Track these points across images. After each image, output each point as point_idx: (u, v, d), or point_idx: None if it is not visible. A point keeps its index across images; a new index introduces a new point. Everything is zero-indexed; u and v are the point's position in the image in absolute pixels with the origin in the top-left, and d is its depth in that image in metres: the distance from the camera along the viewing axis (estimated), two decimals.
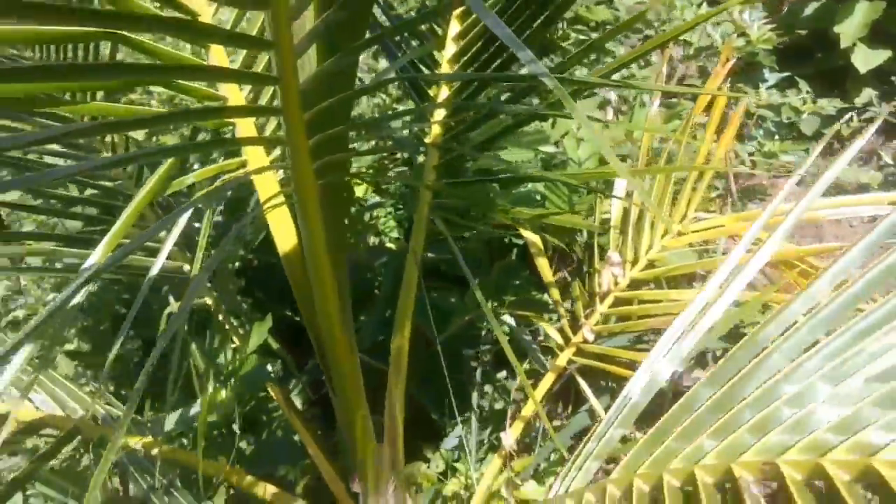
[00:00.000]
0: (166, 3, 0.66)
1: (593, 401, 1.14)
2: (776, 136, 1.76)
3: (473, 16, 1.03)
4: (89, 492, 0.64)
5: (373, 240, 1.97)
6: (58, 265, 1.05)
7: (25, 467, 0.81)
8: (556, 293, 1.22)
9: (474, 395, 1.40)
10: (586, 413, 1.29)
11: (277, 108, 0.68)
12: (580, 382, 1.18)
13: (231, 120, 0.89)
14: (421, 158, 1.13)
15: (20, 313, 1.83)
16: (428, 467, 1.55)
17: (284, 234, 0.98)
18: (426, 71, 1.07)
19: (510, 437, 1.22)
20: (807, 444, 0.54)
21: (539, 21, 0.85)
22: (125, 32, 0.64)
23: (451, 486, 1.35)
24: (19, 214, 1.84)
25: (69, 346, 1.50)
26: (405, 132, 1.41)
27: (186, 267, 1.26)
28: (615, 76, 1.03)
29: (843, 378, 0.56)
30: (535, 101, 1.25)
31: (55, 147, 1.01)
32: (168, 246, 0.71)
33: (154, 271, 0.74)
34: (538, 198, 1.53)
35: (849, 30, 1.95)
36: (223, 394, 1.13)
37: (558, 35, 2.66)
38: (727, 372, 0.63)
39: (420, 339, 1.45)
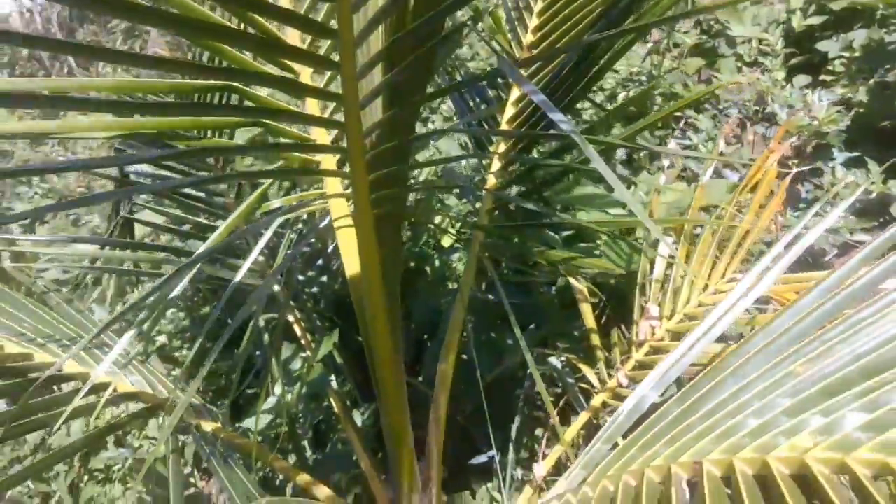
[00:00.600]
0: (274, 63, 0.85)
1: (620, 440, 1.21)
2: (841, 214, 1.77)
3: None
4: (157, 444, 0.80)
5: (452, 284, 2.13)
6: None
7: (104, 427, 0.98)
8: (596, 339, 1.31)
9: (514, 428, 1.49)
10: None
11: (344, 147, 0.84)
12: None
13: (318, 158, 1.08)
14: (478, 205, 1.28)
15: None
16: (473, 497, 1.64)
17: (350, 259, 1.14)
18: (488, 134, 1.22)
19: (542, 468, 1.30)
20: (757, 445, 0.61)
21: (578, 88, 0.99)
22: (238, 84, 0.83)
23: None
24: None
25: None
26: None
27: (276, 288, 1.46)
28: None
29: (796, 393, 0.64)
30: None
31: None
32: (255, 253, 0.88)
33: (241, 273, 0.92)
34: (597, 253, 1.63)
35: None
36: (290, 396, 1.29)
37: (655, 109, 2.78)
38: (693, 390, 0.72)
39: (474, 375, 1.57)
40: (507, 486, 1.42)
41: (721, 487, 0.57)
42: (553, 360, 1.46)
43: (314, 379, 1.31)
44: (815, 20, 2.70)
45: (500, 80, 1.27)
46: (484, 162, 1.25)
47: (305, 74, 1.11)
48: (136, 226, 1.54)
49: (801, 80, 2.45)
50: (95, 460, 2.02)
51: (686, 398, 0.72)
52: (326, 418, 1.63)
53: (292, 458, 1.53)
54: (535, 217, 1.17)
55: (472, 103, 1.29)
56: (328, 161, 1.07)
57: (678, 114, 2.51)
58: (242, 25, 1.03)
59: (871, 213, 1.75)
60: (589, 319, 1.32)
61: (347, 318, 1.68)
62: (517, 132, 1.14)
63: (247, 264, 0.89)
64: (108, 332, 1.02)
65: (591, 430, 1.47)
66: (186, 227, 1.44)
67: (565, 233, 1.59)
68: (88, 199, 0.96)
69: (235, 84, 0.85)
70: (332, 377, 1.38)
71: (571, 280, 1.31)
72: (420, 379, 1.73)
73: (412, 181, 1.73)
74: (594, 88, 2.71)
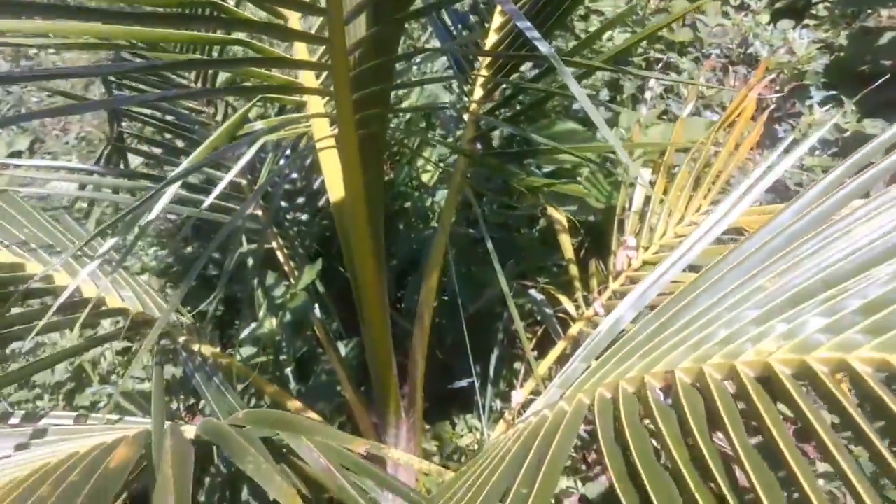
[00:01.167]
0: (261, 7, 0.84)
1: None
2: (816, 152, 1.81)
3: None
4: (137, 357, 0.82)
5: (433, 223, 2.14)
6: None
7: (91, 339, 0.99)
8: (574, 270, 1.34)
9: (493, 359, 1.53)
10: None
11: (328, 64, 0.84)
12: None
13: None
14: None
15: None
16: (453, 428, 1.69)
17: (334, 184, 1.15)
18: (470, 56, 1.22)
19: (521, 395, 1.35)
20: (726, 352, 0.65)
21: (557, 14, 0.99)
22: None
23: (466, 440, 1.49)
24: None
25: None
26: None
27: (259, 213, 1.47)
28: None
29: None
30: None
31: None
32: (235, 169, 0.89)
33: (220, 187, 0.92)
34: (581, 187, 1.65)
35: None
36: (273, 322, 1.31)
37: (638, 53, 2.77)
38: (667, 309, 0.74)
39: (455, 308, 1.60)
40: (487, 417, 1.47)
41: (692, 391, 0.60)
42: (532, 292, 1.50)
43: (297, 306, 1.33)
44: None
45: (483, 5, 1.27)
46: (465, 89, 1.25)
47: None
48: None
49: (785, 23, 2.45)
50: (80, 397, 2.04)
51: (660, 316, 0.75)
52: (310, 351, 1.66)
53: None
54: (516, 147, 1.18)
55: (454, 31, 1.28)
56: (311, 82, 1.07)
57: (660, 56, 2.51)
58: None
59: (848, 152, 1.78)
60: (568, 251, 1.35)
61: (332, 253, 1.69)
62: (499, 53, 1.14)
63: (225, 180, 0.90)
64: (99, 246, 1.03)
65: (567, 358, 1.52)
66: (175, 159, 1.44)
67: (546, 169, 1.60)
68: (75, 108, 0.95)
69: (220, 2, 0.84)
70: (316, 307, 1.40)
71: (551, 210, 1.33)
72: (404, 318, 1.75)
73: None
74: (580, 30, 2.70)
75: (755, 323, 0.65)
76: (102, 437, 0.72)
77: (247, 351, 1.49)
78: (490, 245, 1.22)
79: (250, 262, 1.39)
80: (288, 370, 1.51)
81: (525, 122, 1.28)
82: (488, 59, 1.22)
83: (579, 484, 1.50)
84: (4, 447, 0.74)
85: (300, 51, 1.02)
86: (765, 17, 2.62)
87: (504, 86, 1.19)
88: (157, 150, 1.57)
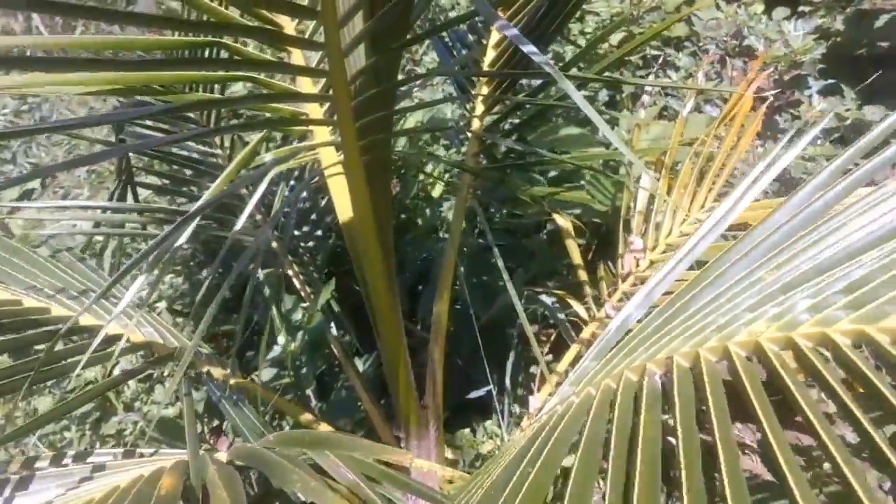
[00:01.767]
0: (256, 17, 0.88)
1: None
2: (819, 142, 1.82)
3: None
4: (168, 389, 0.85)
5: (442, 234, 2.17)
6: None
7: (121, 374, 1.03)
8: (583, 274, 1.36)
9: (509, 365, 1.55)
10: None
11: (331, 96, 0.87)
12: None
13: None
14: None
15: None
16: (474, 435, 1.71)
17: (343, 207, 1.18)
18: (470, 76, 1.25)
19: (538, 400, 1.37)
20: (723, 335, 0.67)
21: (556, 23, 1.01)
22: (224, 39, 0.85)
23: (487, 446, 1.51)
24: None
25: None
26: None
27: (274, 244, 1.51)
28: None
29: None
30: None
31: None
32: (252, 203, 0.92)
33: (240, 223, 0.95)
34: (584, 193, 1.67)
35: None
36: (293, 344, 1.34)
37: (635, 51, 2.80)
38: (672, 304, 0.77)
39: (469, 317, 1.62)
40: (506, 422, 1.49)
41: (688, 373, 0.62)
42: (544, 297, 1.52)
43: (314, 326, 1.36)
44: None
45: (480, 24, 1.30)
46: (468, 106, 1.28)
47: (289, 28, 1.14)
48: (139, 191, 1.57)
49: (780, 12, 2.46)
50: (106, 426, 2.09)
51: (664, 311, 0.77)
52: (329, 369, 1.69)
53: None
54: (520, 158, 1.21)
55: (453, 49, 1.31)
56: (316, 112, 1.10)
57: (657, 53, 2.53)
58: None
59: (849, 140, 1.79)
60: (575, 256, 1.37)
61: (344, 271, 1.72)
62: (497, 72, 1.17)
63: (244, 215, 0.93)
64: (120, 287, 1.06)
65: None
66: (185, 189, 1.48)
67: (551, 174, 1.63)
68: (86, 159, 0.99)
69: (222, 39, 0.88)
70: (332, 325, 1.43)
71: (557, 217, 1.35)
72: (420, 328, 1.78)
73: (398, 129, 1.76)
74: (576, 33, 2.72)
75: (749, 309, 0.68)
76: (139, 470, 0.75)
77: (267, 373, 1.53)
78: (497, 253, 1.24)
79: (266, 289, 1.42)
80: (308, 390, 1.54)
81: (527, 130, 1.31)
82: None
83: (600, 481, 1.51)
84: (41, 489, 0.76)
85: (304, 84, 1.05)
86: (759, 7, 2.63)
87: (503, 101, 1.22)
88: (166, 182, 1.61)
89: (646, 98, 1.78)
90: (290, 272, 1.52)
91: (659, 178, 1.33)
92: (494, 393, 1.49)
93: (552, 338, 1.60)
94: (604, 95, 2.38)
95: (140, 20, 0.69)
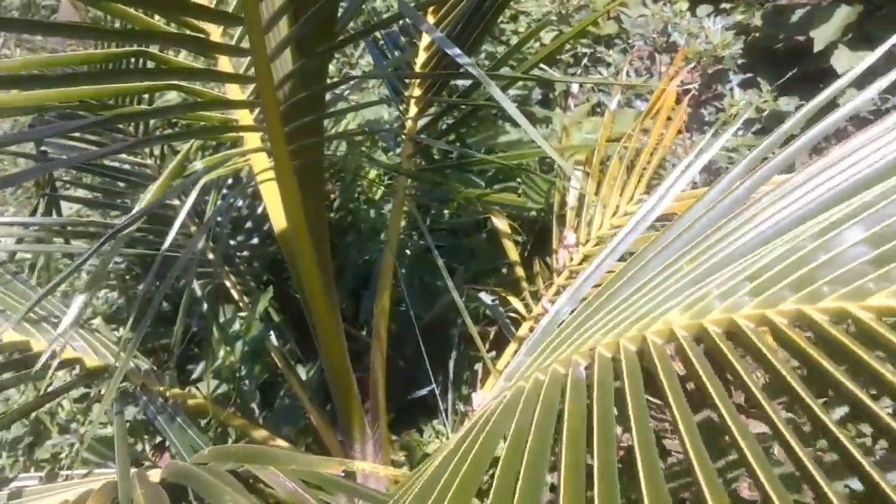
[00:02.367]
0: (182, 24, 0.86)
1: None
2: (741, 133, 1.90)
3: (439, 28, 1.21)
4: (101, 408, 0.83)
5: (384, 236, 2.17)
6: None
7: (48, 394, 1.00)
8: (521, 271, 1.39)
9: (451, 364, 1.57)
10: None
11: (258, 102, 0.87)
12: None
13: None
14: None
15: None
16: (421, 435, 1.72)
17: (277, 213, 1.17)
18: (402, 78, 1.26)
19: (481, 396, 1.39)
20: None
21: (483, 23, 1.03)
22: (150, 49, 0.84)
23: (433, 446, 1.53)
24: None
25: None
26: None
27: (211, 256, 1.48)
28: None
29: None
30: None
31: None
32: (184, 211, 0.90)
33: (172, 234, 0.94)
34: (519, 191, 1.70)
35: (824, 34, 2.07)
36: (232, 356, 1.32)
37: (566, 49, 2.85)
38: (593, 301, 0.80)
39: (411, 318, 1.63)
40: (451, 421, 1.50)
41: (609, 363, 0.65)
42: (483, 295, 1.54)
43: (253, 336, 1.34)
44: None
45: (413, 28, 1.30)
46: (401, 108, 1.28)
47: (216, 35, 1.12)
48: (63, 204, 1.52)
49: (704, 9, 2.55)
50: (41, 450, 2.01)
51: (591, 303, 0.80)
52: (271, 378, 1.67)
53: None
54: (459, 158, 1.22)
55: (387, 52, 1.31)
56: (246, 118, 1.09)
57: (588, 50, 2.59)
58: None
59: (769, 130, 1.87)
60: (513, 254, 1.39)
61: (282, 278, 1.71)
62: (427, 73, 1.18)
63: (175, 226, 0.91)
64: (52, 301, 1.03)
65: None
66: (118, 202, 1.44)
67: (488, 173, 1.65)
68: (10, 178, 0.95)
69: (148, 49, 0.86)
70: (272, 334, 1.42)
71: (493, 218, 1.38)
72: (364, 332, 1.78)
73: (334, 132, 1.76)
74: (509, 33, 2.76)
75: (665, 300, 0.70)
76: (64, 495, 0.73)
77: (208, 386, 1.50)
78: (436, 254, 1.25)
79: (204, 301, 1.40)
80: (251, 400, 1.52)
81: (465, 133, 1.32)
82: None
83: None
84: None
85: (233, 90, 1.04)
86: (684, 5, 2.72)
87: (437, 102, 1.23)
88: (97, 195, 1.56)
89: (575, 91, 1.81)
90: (227, 282, 1.50)
91: (589, 174, 1.37)
92: (438, 392, 1.50)
93: (493, 335, 1.62)
94: (537, 94, 2.42)
95: (62, 30, 0.67)
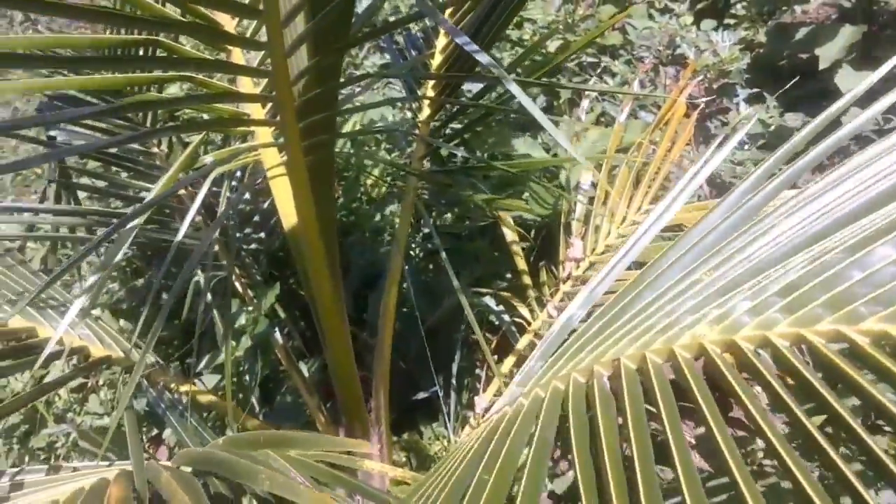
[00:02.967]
0: (195, 15, 0.86)
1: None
2: (746, 147, 1.91)
3: None
4: (122, 402, 0.83)
5: (387, 237, 2.17)
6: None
7: (51, 382, 0.99)
8: (527, 278, 1.39)
9: (454, 367, 1.56)
10: None
11: (273, 96, 0.86)
12: None
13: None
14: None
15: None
16: (421, 437, 1.72)
17: (286, 209, 1.16)
18: (419, 78, 1.26)
19: (484, 400, 1.39)
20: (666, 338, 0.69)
21: (495, 29, 1.03)
22: (161, 38, 0.83)
23: (433, 448, 1.52)
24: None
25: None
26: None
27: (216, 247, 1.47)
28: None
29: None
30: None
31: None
32: (195, 206, 0.90)
33: (184, 228, 0.93)
34: (524, 196, 1.70)
35: (829, 53, 2.09)
36: (238, 350, 1.31)
37: (572, 58, 2.86)
38: (613, 305, 0.79)
39: (415, 320, 1.63)
40: (452, 423, 1.50)
41: (635, 375, 0.65)
42: (488, 299, 1.54)
43: (260, 332, 1.33)
44: None
45: (431, 29, 1.31)
46: (414, 108, 1.29)
47: (229, 27, 1.12)
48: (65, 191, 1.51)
49: (708, 23, 2.57)
50: (36, 439, 1.99)
51: (608, 312, 0.80)
52: (273, 373, 1.66)
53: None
54: (465, 162, 1.22)
55: (407, 53, 1.32)
56: (257, 112, 1.09)
57: (593, 60, 2.60)
58: None
59: (774, 145, 1.88)
60: (519, 260, 1.40)
61: (288, 273, 1.70)
62: (446, 74, 1.18)
63: (188, 219, 0.91)
64: (56, 288, 1.02)
65: (526, 360, 1.57)
66: (121, 192, 1.43)
67: (495, 175, 1.65)
68: (16, 165, 0.94)
69: (159, 38, 0.85)
70: (276, 330, 1.41)
71: (501, 223, 1.38)
72: (365, 333, 1.77)
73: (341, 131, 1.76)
74: (514, 39, 2.77)
75: (691, 312, 0.71)
76: (76, 484, 0.72)
77: (210, 379, 1.49)
78: (445, 257, 1.25)
79: (209, 294, 1.39)
80: (252, 395, 1.51)
81: (472, 137, 1.33)
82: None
83: (547, 481, 1.54)
84: None
85: (244, 84, 1.04)
86: (688, 19, 2.74)
87: (450, 104, 1.24)
88: (101, 183, 1.55)
89: (585, 103, 1.82)
90: (232, 275, 1.49)
91: (598, 183, 1.37)
92: (440, 395, 1.50)
93: (496, 340, 1.62)
94: (542, 101, 2.42)
95: (71, 12, 0.67)
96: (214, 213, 1.32)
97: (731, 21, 2.60)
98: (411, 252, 1.81)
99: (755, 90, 2.05)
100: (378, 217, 2.07)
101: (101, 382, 1.86)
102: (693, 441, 1.54)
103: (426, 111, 1.25)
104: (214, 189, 1.30)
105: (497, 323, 1.55)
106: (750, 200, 0.81)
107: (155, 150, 1.47)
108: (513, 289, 1.54)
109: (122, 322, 1.89)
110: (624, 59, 2.71)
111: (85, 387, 1.92)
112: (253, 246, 1.56)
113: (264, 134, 1.10)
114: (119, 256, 0.88)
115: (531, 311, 1.38)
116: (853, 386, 0.47)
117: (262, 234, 1.59)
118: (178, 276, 0.82)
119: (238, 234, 1.47)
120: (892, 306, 0.50)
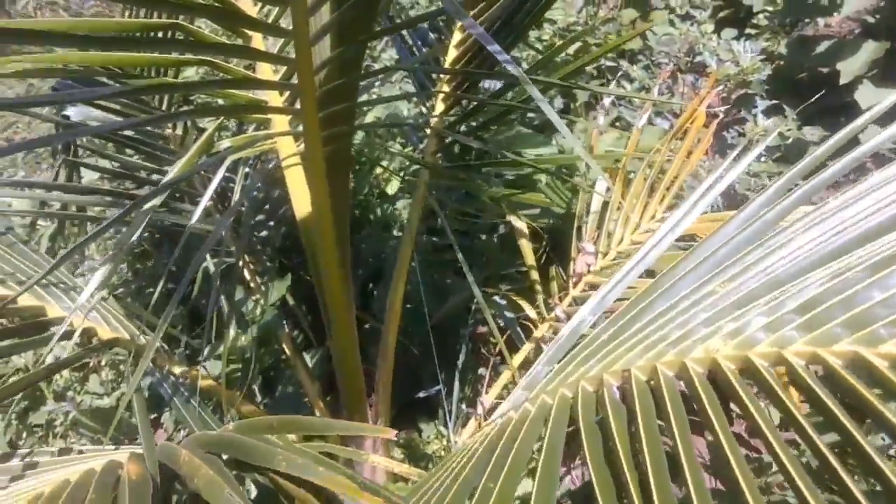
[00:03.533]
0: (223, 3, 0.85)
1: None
2: (763, 159, 1.90)
3: None
4: (131, 385, 0.82)
5: (396, 232, 2.17)
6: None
7: (59, 362, 0.99)
8: (535, 275, 1.38)
9: (459, 364, 1.56)
10: None
11: (295, 84, 0.86)
12: None
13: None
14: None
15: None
16: (420, 435, 1.71)
17: (300, 199, 1.16)
18: (433, 73, 1.25)
19: (487, 401, 1.38)
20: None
21: (516, 31, 1.03)
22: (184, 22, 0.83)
23: (432, 446, 1.52)
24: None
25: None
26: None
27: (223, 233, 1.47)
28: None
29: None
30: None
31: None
32: (209, 192, 0.89)
33: (197, 214, 0.93)
34: (543, 196, 1.69)
35: (850, 67, 2.07)
36: (243, 338, 1.31)
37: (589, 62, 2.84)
38: (625, 313, 0.78)
39: (421, 316, 1.62)
40: (453, 423, 1.50)
41: (646, 387, 0.64)
42: (495, 298, 1.53)
43: (267, 321, 1.33)
44: None
45: (442, 23, 1.30)
46: (428, 103, 1.28)
47: (251, 13, 1.11)
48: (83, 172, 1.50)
49: (728, 32, 2.55)
50: (35, 416, 1.99)
51: (618, 319, 0.79)
52: (275, 364, 1.66)
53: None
54: (478, 158, 1.21)
55: (414, 48, 1.31)
56: (275, 100, 1.08)
57: (612, 64, 2.58)
58: None
59: (791, 158, 1.87)
60: (528, 257, 1.39)
61: (297, 262, 1.70)
62: (465, 70, 1.18)
63: (202, 204, 0.91)
64: (63, 270, 1.02)
65: (531, 362, 1.56)
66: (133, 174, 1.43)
67: (507, 177, 1.64)
68: (33, 143, 0.94)
69: (181, 22, 0.85)
70: (284, 321, 1.41)
71: (512, 218, 1.37)
72: (367, 326, 1.77)
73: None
74: (533, 39, 2.76)
75: (705, 324, 0.70)
76: (84, 466, 0.71)
77: (213, 366, 1.49)
78: (460, 255, 1.24)
79: (217, 280, 1.39)
80: (254, 384, 1.51)
81: (484, 131, 1.32)
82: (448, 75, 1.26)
83: None
84: None
85: (263, 70, 1.03)
86: (709, 27, 2.73)
87: (464, 100, 1.23)
88: (114, 164, 1.55)
89: (605, 103, 1.81)
90: (240, 263, 1.49)
91: (612, 186, 1.36)
92: (443, 393, 1.49)
93: (502, 340, 1.61)
94: (559, 103, 2.41)
95: None
96: (225, 199, 1.31)
97: (753, 31, 2.58)
98: (418, 247, 1.80)
99: (773, 102, 2.04)
100: (387, 211, 2.06)
101: (102, 363, 1.86)
102: (703, 459, 1.53)
103: (440, 106, 1.25)
104: (226, 175, 1.30)
105: (503, 323, 1.55)
106: (767, 214, 0.80)
107: (169, 132, 1.47)
108: (520, 289, 1.53)
109: (128, 301, 1.89)
110: (642, 64, 2.69)
111: (86, 366, 1.92)
112: (263, 233, 1.55)
113: (281, 122, 1.10)
114: (134, 237, 0.88)
115: (539, 313, 1.37)
116: (871, 410, 0.46)
117: (272, 223, 1.58)
118: (192, 262, 0.81)
119: (250, 222, 1.47)
120: None
